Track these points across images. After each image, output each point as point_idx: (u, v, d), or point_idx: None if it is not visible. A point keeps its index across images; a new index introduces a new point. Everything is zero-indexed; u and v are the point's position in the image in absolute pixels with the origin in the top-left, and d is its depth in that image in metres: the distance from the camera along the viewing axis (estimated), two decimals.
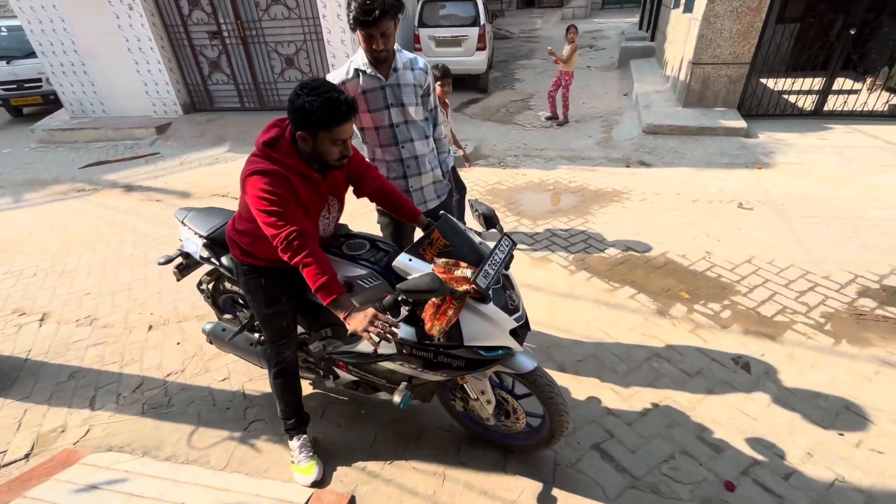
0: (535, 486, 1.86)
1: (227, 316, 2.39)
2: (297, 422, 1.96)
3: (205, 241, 2.02)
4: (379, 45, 1.82)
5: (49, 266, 3.86)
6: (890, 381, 2.28)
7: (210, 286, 2.36)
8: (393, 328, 1.38)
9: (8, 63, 8.33)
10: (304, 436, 1.98)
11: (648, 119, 5.72)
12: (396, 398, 1.70)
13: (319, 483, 1.90)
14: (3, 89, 8.42)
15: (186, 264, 2.33)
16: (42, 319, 3.17)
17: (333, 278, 1.46)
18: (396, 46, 1.96)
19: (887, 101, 5.65)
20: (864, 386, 2.26)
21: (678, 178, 4.74)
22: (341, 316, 1.45)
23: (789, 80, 6.00)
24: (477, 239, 1.66)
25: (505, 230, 1.64)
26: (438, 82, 3.23)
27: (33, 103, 8.64)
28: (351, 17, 1.77)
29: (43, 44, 7.00)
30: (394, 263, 1.50)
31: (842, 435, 2.02)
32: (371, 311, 1.41)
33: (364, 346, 1.73)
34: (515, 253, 3.52)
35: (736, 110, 5.75)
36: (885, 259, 3.22)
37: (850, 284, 2.99)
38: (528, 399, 1.82)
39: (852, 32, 5.36)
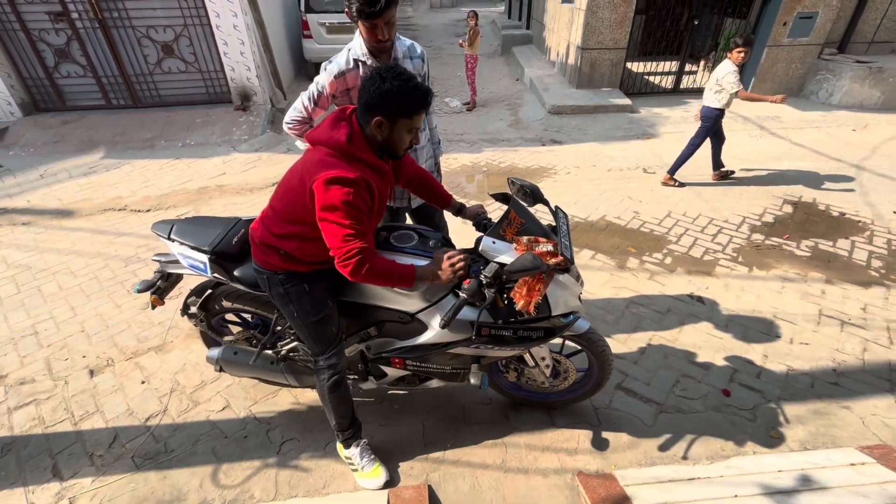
0: (587, 433, 2.06)
1: (228, 338, 2.11)
2: (355, 430, 1.86)
3: (210, 255, 1.76)
4: (384, 34, 1.78)
5: None
6: (793, 292, 2.98)
7: (198, 307, 2.06)
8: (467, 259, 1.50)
9: None
10: (363, 440, 1.89)
11: (551, 101, 6.28)
12: (474, 381, 1.73)
13: (390, 483, 1.84)
14: None
15: (164, 287, 2.01)
16: None
17: (397, 267, 1.46)
18: (396, 34, 1.93)
19: None
20: (778, 298, 2.92)
21: (588, 151, 5.35)
22: (431, 282, 1.50)
23: (650, 64, 7.09)
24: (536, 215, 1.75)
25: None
26: (738, 48, 3.71)
27: None
28: (354, 9, 1.70)
29: None
30: (481, 248, 1.52)
31: (779, 337, 2.61)
32: (443, 256, 1.50)
33: (428, 337, 1.71)
34: (472, 234, 3.68)
35: (619, 89, 6.63)
36: (757, 202, 4.11)
37: (743, 224, 3.77)
38: (575, 357, 2.00)
39: (696, 23, 6.53)
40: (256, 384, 2.35)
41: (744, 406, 2.19)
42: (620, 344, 2.57)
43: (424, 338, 1.72)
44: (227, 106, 6.03)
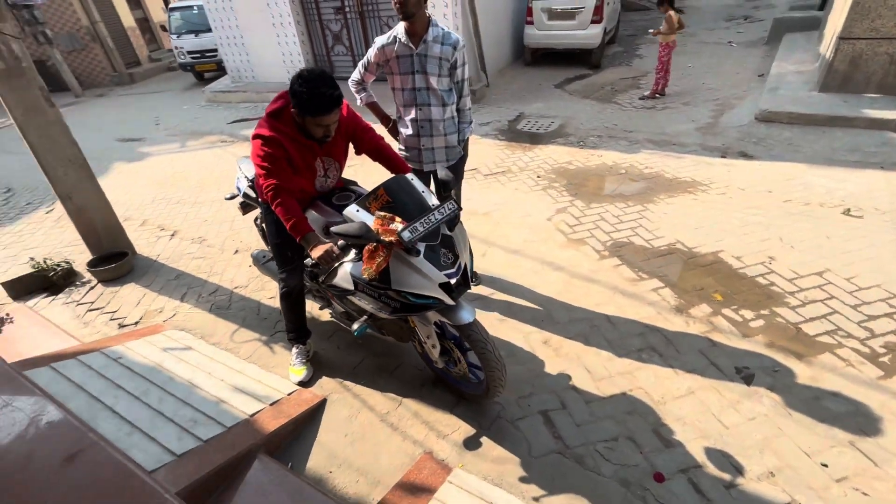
0: (469, 430, 2.06)
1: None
2: (298, 335, 2.43)
3: (249, 183, 2.55)
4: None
5: (188, 197, 4.98)
6: None
7: (260, 221, 2.93)
8: (335, 257, 1.73)
9: (196, 36, 10.36)
10: (303, 346, 2.44)
11: (765, 105, 4.94)
12: (354, 326, 2.03)
13: (306, 384, 2.35)
14: (192, 57, 10.53)
15: (247, 202, 2.93)
16: (173, 235, 4.19)
17: (301, 221, 1.81)
18: (434, 20, 2.24)
19: None
20: (891, 425, 1.93)
21: (779, 173, 4.11)
22: (308, 249, 1.80)
23: None
24: (433, 201, 1.85)
25: (455, 199, 1.81)
26: None
27: (210, 69, 10.65)
28: None
29: (216, 20, 8.57)
30: (344, 212, 1.79)
31: (825, 466, 1.80)
32: (329, 245, 1.74)
33: (333, 279, 2.07)
34: (550, 232, 3.55)
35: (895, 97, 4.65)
36: None
37: None
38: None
39: None
40: None
41: (665, 500, 1.72)
42: (591, 380, 2.27)
43: (331, 279, 2.09)
44: None
